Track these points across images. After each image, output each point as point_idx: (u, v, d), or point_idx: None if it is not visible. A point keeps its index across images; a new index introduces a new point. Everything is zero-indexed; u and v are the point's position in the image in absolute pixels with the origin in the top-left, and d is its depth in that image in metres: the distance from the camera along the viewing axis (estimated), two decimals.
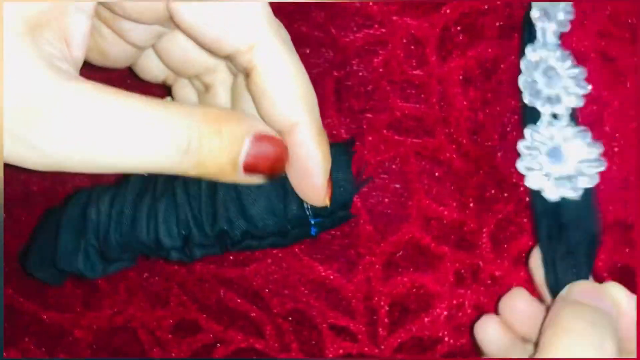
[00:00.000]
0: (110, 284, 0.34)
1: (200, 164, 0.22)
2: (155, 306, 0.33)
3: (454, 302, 0.33)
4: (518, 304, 0.30)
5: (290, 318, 0.33)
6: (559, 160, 0.30)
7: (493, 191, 0.32)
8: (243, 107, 0.27)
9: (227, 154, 0.23)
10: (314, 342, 0.33)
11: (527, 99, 0.31)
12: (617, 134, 0.32)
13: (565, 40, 0.31)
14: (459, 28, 0.32)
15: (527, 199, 0.32)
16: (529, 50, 0.31)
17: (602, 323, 0.25)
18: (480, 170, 0.32)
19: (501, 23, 0.32)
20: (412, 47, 0.32)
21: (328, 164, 0.25)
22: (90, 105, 0.21)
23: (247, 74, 0.24)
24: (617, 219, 0.32)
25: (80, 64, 0.23)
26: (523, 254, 0.32)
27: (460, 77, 0.32)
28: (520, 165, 0.30)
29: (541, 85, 0.30)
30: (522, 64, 0.31)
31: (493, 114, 0.32)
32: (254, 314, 0.33)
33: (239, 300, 0.33)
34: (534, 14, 0.31)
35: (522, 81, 0.31)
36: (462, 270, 0.32)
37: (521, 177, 0.32)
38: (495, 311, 0.31)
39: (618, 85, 0.32)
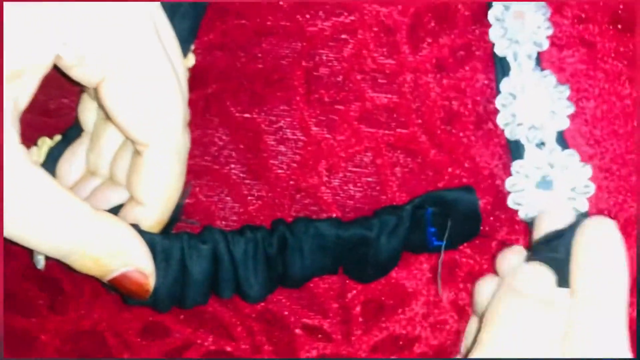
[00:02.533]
0: (75, 286, 0.33)
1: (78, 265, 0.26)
2: (121, 309, 0.32)
3: (431, 299, 0.31)
4: (513, 260, 0.29)
5: (261, 319, 0.32)
6: (548, 190, 0.29)
7: (469, 183, 0.31)
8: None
9: (96, 272, 0.26)
10: (286, 343, 0.32)
11: (509, 134, 0.29)
12: (598, 121, 0.31)
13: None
14: (430, 15, 0.31)
15: (504, 191, 0.31)
16: (503, 84, 0.29)
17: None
18: (455, 161, 0.31)
19: (474, 10, 0.31)
20: (383, 35, 0.31)
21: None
22: (25, 181, 0.23)
23: (136, 151, 0.27)
24: (599, 209, 0.31)
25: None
26: (501, 249, 0.31)
27: (433, 66, 0.31)
28: (510, 201, 0.30)
29: (522, 118, 0.29)
30: (498, 101, 0.29)
31: (467, 103, 0.31)
32: (224, 315, 0.32)
33: None
34: (498, 48, 0.29)
35: (500, 118, 0.30)
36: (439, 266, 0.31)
37: (497, 168, 0.31)
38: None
39: (597, 71, 0.31)
